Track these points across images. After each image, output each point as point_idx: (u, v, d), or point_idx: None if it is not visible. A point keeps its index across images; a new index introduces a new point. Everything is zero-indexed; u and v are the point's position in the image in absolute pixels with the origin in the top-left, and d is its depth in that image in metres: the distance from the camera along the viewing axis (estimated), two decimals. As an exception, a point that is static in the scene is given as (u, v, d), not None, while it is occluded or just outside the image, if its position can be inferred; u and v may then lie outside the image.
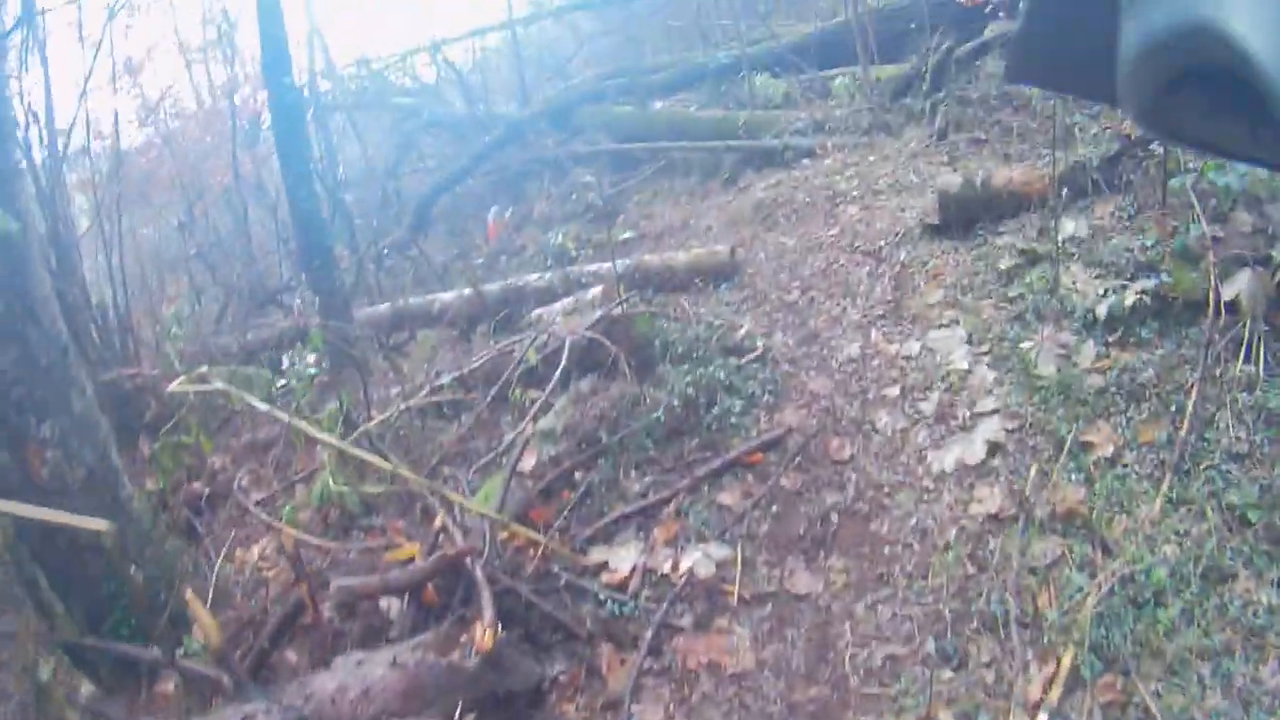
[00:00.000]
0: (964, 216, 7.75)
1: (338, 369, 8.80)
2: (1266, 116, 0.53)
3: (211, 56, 16.75)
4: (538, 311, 8.40)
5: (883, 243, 7.98)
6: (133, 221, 15.44)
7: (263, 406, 4.97)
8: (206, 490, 6.95)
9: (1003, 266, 7.01)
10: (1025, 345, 6.05)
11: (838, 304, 7.29)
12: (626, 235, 11.41)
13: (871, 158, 10.19)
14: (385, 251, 14.91)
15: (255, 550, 6.33)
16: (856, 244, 8.11)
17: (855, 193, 9.21)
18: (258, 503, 6.38)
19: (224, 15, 16.31)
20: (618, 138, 14.09)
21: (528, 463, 5.67)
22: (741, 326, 6.97)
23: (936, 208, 7.93)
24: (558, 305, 8.19)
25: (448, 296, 10.05)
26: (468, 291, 9.42)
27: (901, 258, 7.68)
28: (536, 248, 12.38)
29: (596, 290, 7.30)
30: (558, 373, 6.10)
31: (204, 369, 5.35)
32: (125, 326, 8.93)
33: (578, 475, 5.74)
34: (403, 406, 6.07)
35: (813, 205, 9.34)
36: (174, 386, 5.17)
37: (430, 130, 18.08)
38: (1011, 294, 6.70)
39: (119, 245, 9.91)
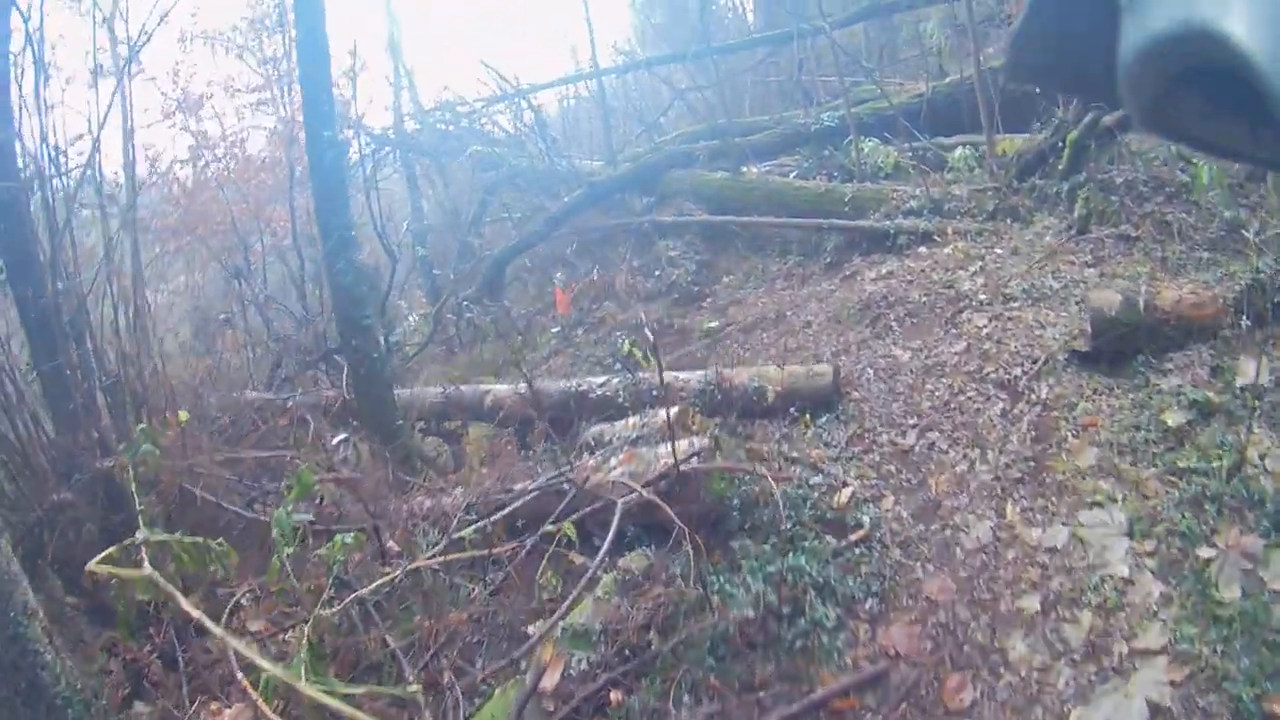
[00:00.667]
0: (1121, 345, 6.34)
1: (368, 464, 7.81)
2: (1266, 116, 0.54)
3: (268, 96, 15.94)
4: (599, 427, 7.23)
5: (1019, 371, 6.53)
6: (180, 266, 15.07)
7: (194, 612, 3.80)
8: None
9: (1170, 422, 5.55)
10: (1203, 553, 4.58)
11: (964, 455, 5.87)
12: (711, 325, 10.21)
13: (999, 250, 8.74)
14: (465, 304, 14.15)
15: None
16: (986, 370, 6.68)
17: (982, 296, 7.77)
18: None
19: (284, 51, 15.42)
20: (709, 206, 12.95)
21: (551, 678, 4.38)
22: (843, 485, 5.58)
23: (1087, 331, 6.48)
24: (620, 425, 6.98)
25: (502, 390, 8.99)
26: (522, 388, 8.28)
27: (1043, 394, 6.23)
28: (618, 323, 11.27)
29: (666, 414, 6.02)
30: (605, 545, 4.83)
31: (141, 535, 4.23)
32: (137, 399, 7.91)
33: (614, 696, 4.41)
34: (409, 567, 4.86)
35: (931, 308, 7.93)
36: (91, 565, 4.08)
37: (514, 182, 17.20)
38: (1182, 464, 5.24)
39: (136, 297, 8.74)
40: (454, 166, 19.04)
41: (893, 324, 8.01)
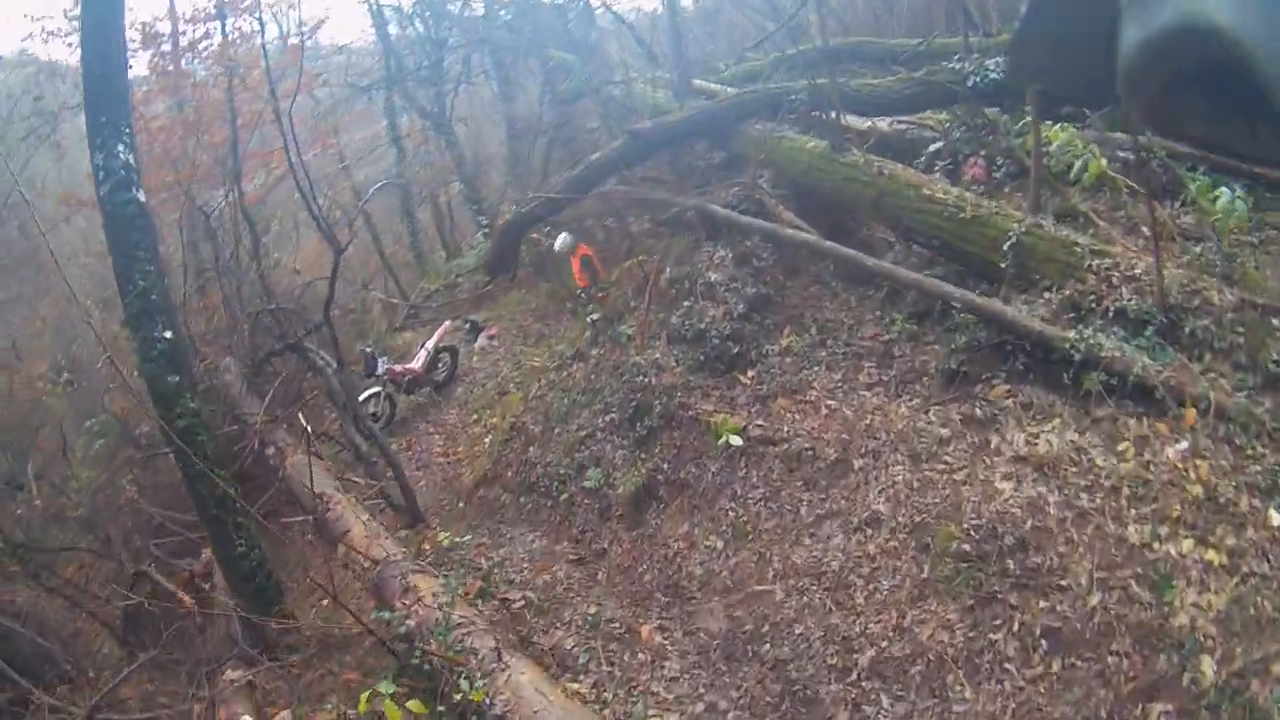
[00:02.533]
0: None
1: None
2: (1266, 116, 0.54)
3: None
4: None
5: None
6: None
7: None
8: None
9: None
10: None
11: None
12: (733, 433, 6.54)
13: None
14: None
15: None
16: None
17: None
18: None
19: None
20: (792, 192, 8.74)
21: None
22: None
23: None
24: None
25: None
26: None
27: None
28: (619, 364, 7.85)
29: None
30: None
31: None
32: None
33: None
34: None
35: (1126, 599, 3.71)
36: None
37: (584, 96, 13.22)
38: None
39: None
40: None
41: (1033, 622, 3.87)
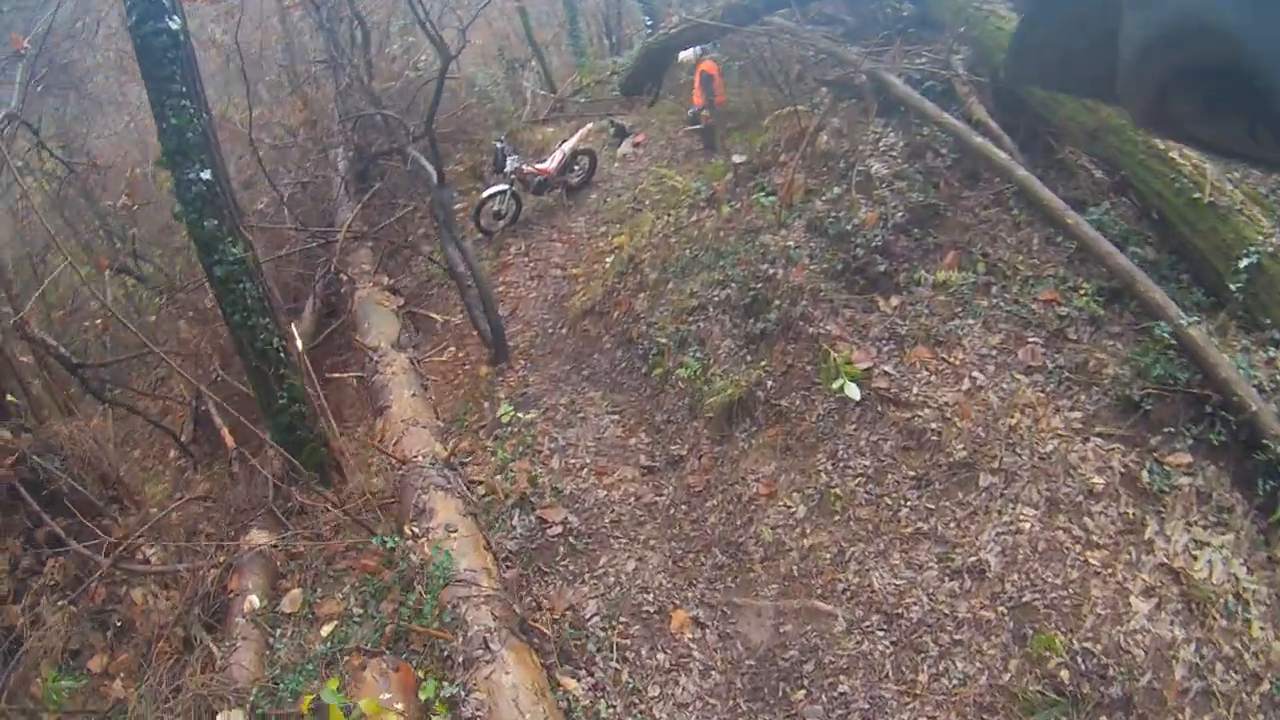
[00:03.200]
0: None
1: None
2: (1266, 116, 0.54)
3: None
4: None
5: None
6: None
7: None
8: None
9: None
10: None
11: None
12: (849, 389, 5.72)
13: None
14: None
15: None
16: None
17: None
18: None
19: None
20: (988, 75, 7.18)
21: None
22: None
23: None
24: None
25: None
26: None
27: None
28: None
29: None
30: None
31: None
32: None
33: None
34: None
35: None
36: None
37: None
38: None
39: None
40: None
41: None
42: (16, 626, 4.91)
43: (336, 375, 7.05)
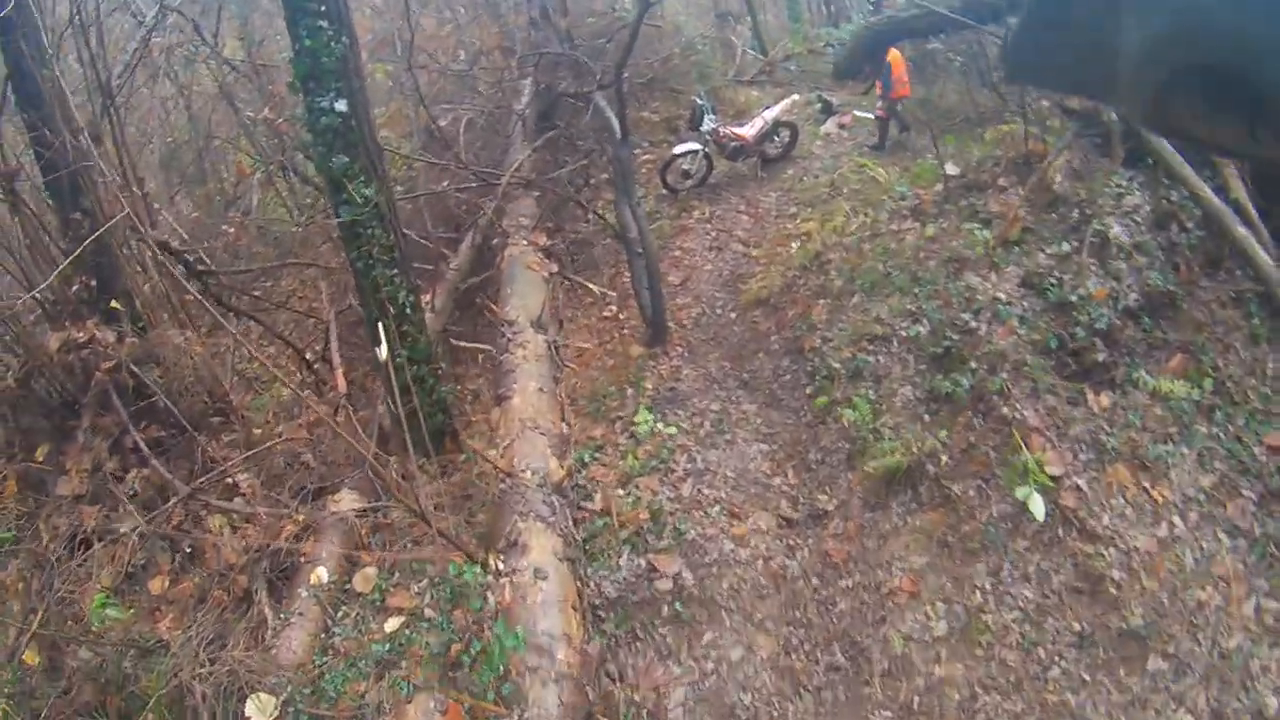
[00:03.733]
0: None
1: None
2: (1265, 116, 0.53)
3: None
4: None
5: None
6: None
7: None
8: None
9: None
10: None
11: None
12: (1033, 505, 4.84)
13: None
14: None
15: None
16: None
17: None
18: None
19: None
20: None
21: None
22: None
23: None
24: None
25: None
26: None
27: None
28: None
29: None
30: None
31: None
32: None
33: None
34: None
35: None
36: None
37: None
38: None
39: None
40: None
41: None
42: (88, 529, 4.68)
43: (463, 344, 6.54)
